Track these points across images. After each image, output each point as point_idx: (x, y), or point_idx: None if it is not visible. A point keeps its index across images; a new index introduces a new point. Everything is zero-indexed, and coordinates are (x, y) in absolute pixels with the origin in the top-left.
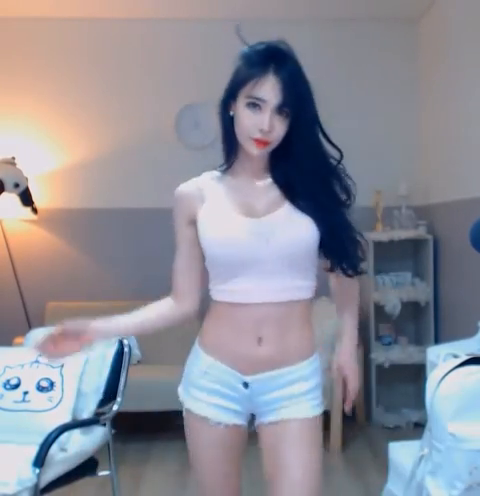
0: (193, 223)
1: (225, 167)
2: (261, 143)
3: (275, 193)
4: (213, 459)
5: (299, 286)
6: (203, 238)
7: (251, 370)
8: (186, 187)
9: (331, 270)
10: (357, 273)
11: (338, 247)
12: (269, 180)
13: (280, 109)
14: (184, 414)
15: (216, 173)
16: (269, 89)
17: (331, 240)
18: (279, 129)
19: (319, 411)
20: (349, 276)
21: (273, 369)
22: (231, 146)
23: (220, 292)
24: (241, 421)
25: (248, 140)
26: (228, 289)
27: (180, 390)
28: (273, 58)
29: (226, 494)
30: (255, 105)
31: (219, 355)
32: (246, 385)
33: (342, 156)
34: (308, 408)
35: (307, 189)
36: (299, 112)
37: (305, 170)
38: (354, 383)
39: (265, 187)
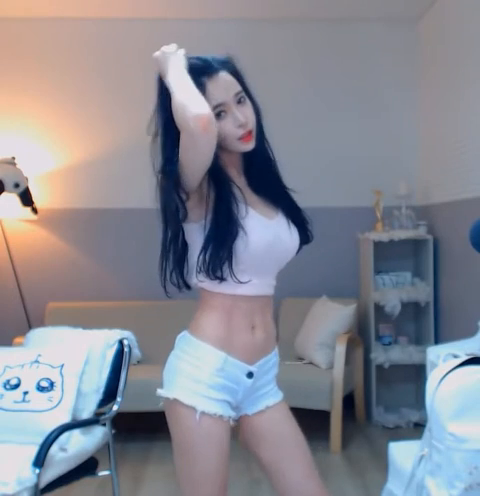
0: None
1: None
2: (247, 136)
3: (256, 197)
4: (225, 455)
5: (275, 284)
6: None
7: (255, 358)
8: None
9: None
10: None
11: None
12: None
13: (237, 97)
14: (197, 418)
15: None
16: (218, 92)
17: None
18: (250, 113)
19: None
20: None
21: (266, 354)
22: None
23: (227, 285)
24: (234, 413)
25: (236, 142)
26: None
27: (182, 394)
28: (200, 70)
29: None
30: (219, 113)
31: (229, 349)
32: (250, 375)
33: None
34: (278, 390)
35: (284, 197)
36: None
37: (268, 168)
38: None
39: (247, 188)
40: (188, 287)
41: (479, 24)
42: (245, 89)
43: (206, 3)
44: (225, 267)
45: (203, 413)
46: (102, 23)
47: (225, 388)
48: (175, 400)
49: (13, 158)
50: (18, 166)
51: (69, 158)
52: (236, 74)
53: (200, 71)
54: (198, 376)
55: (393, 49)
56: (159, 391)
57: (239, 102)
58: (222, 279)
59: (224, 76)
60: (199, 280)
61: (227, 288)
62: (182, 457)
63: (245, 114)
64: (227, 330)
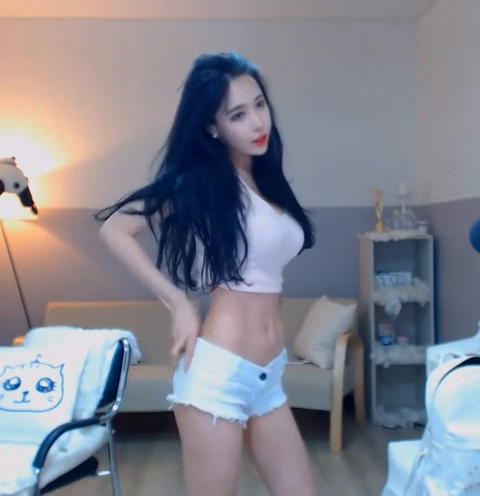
0: None
1: None
2: (262, 140)
3: (263, 197)
4: (238, 459)
5: (282, 281)
6: (258, 226)
7: (267, 359)
8: None
9: None
10: None
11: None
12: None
13: (257, 100)
14: (213, 424)
15: None
16: (239, 94)
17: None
18: (267, 118)
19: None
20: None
21: (276, 355)
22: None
23: (242, 284)
24: (246, 416)
25: (250, 145)
26: (248, 280)
27: (198, 400)
28: (226, 66)
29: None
30: (238, 114)
31: (245, 352)
32: (263, 376)
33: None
34: (282, 392)
35: (291, 200)
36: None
37: (280, 177)
38: None
39: (255, 188)
40: (193, 285)
41: (479, 24)
42: (264, 94)
43: (206, 3)
44: (242, 266)
45: (220, 419)
46: (102, 23)
47: (240, 392)
48: (190, 406)
49: (13, 158)
50: (18, 166)
51: (69, 158)
52: (258, 77)
53: (226, 67)
54: (214, 382)
55: (393, 49)
56: (170, 397)
57: (258, 105)
58: (238, 280)
59: (247, 78)
60: (210, 280)
61: (242, 286)
62: (194, 462)
63: (263, 118)
64: (243, 332)
